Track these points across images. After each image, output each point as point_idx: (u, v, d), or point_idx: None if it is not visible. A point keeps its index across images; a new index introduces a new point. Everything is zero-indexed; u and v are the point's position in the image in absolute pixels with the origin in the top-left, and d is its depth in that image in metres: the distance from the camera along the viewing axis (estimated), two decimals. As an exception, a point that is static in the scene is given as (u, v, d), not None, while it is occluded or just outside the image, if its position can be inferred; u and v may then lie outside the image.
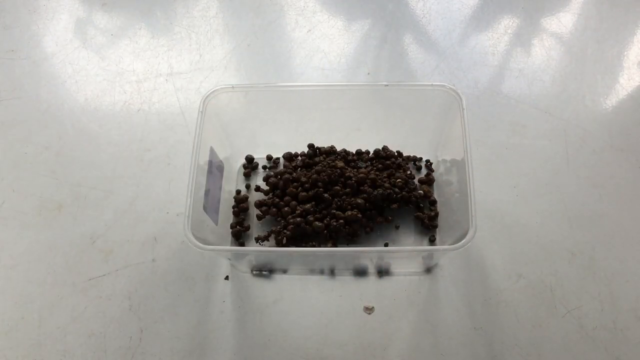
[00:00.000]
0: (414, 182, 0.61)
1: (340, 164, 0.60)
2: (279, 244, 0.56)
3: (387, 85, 0.56)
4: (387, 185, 0.58)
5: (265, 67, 0.75)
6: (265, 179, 0.61)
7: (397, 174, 0.60)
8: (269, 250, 0.55)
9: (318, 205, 0.57)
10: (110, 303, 0.55)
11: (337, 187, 0.58)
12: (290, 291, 0.56)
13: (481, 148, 0.65)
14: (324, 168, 0.59)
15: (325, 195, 0.57)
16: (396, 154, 0.64)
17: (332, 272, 0.57)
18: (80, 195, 0.63)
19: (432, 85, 0.55)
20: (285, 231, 0.55)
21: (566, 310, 0.54)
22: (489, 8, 0.81)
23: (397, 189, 0.58)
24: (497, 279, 0.56)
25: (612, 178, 0.62)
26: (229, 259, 0.57)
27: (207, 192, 0.53)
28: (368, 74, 0.74)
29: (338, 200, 0.57)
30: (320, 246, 0.56)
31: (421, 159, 0.64)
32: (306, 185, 0.58)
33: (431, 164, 0.64)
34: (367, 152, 0.64)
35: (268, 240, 0.57)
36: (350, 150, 0.64)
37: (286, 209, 0.57)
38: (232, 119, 0.59)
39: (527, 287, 0.55)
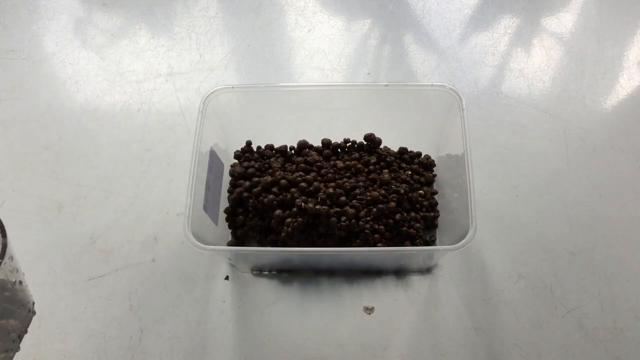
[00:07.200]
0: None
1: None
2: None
3: (387, 85, 0.56)
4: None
5: (265, 67, 0.75)
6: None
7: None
8: (270, 251, 0.55)
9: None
10: (110, 303, 0.55)
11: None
12: (290, 291, 0.56)
13: (481, 148, 0.65)
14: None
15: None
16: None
17: (332, 272, 0.57)
18: (80, 195, 0.63)
19: (432, 85, 0.55)
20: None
21: (566, 310, 0.54)
22: (489, 8, 0.81)
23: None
24: (497, 279, 0.56)
25: (612, 178, 0.62)
26: (229, 259, 0.57)
27: (207, 192, 0.53)
28: (368, 74, 0.74)
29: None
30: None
31: (421, 159, 0.64)
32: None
33: (431, 164, 0.64)
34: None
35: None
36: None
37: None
38: (232, 119, 0.59)
39: (527, 287, 0.55)
